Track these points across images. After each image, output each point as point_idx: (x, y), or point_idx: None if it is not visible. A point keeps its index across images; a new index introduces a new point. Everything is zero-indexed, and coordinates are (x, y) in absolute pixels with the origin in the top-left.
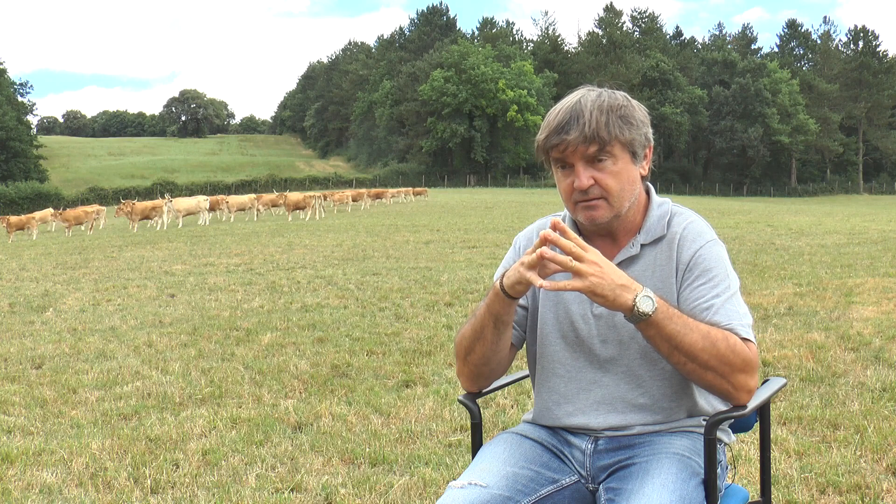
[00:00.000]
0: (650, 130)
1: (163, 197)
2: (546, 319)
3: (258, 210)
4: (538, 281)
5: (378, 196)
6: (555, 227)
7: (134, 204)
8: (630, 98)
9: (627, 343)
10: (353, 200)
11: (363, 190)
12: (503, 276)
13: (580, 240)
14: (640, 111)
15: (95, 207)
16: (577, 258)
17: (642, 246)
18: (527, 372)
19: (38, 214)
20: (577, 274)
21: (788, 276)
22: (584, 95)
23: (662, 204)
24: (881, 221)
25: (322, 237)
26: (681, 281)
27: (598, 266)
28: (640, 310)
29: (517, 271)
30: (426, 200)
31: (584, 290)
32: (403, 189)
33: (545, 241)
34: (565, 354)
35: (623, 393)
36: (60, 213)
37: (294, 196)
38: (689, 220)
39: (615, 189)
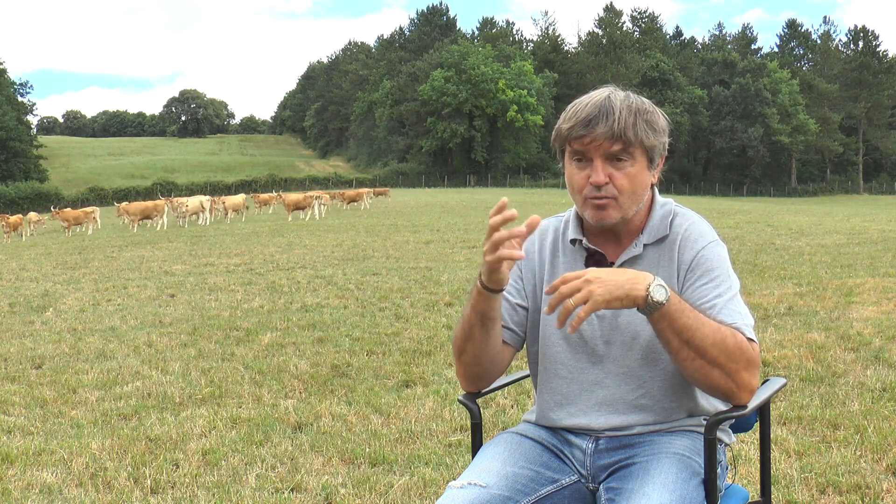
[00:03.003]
0: (668, 140)
1: (164, 197)
2: (548, 320)
3: (242, 211)
4: (516, 254)
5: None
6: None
7: (129, 205)
8: (654, 105)
9: (630, 344)
10: (352, 201)
11: (335, 191)
12: (481, 273)
13: (565, 276)
14: (662, 119)
15: (92, 208)
16: (574, 291)
17: (645, 246)
18: (527, 372)
19: (29, 216)
20: (582, 302)
21: (788, 276)
22: (613, 93)
23: (665, 204)
24: (881, 221)
25: (322, 237)
26: (683, 281)
27: (594, 278)
28: (654, 298)
29: (484, 262)
30: (388, 201)
31: (599, 308)
32: (365, 190)
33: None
34: (567, 355)
35: (624, 394)
36: (59, 213)
37: (293, 196)
38: (691, 221)
39: (628, 191)
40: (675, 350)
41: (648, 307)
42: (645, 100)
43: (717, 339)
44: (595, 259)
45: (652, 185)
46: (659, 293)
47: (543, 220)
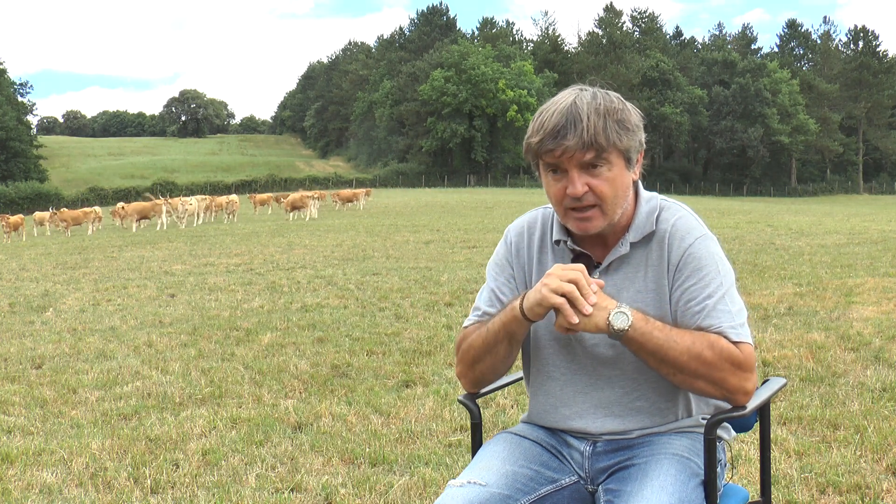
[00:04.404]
0: (644, 135)
1: (163, 197)
2: (539, 321)
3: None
4: (574, 318)
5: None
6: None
7: (124, 206)
8: (624, 100)
9: (621, 346)
10: (348, 201)
11: (325, 192)
12: (523, 298)
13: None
14: (634, 115)
15: (94, 209)
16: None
17: (632, 245)
18: None
19: (39, 216)
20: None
21: (788, 276)
22: (579, 97)
23: (651, 199)
24: (881, 221)
25: (322, 237)
26: (672, 280)
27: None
28: (616, 327)
29: (541, 294)
30: (378, 201)
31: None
32: (360, 190)
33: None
34: (559, 357)
35: (619, 396)
36: (57, 213)
37: (292, 196)
38: (678, 216)
39: (609, 196)
40: (655, 368)
41: (613, 335)
42: (613, 96)
43: (693, 352)
44: (582, 260)
45: (634, 182)
46: (620, 321)
47: (532, 210)
